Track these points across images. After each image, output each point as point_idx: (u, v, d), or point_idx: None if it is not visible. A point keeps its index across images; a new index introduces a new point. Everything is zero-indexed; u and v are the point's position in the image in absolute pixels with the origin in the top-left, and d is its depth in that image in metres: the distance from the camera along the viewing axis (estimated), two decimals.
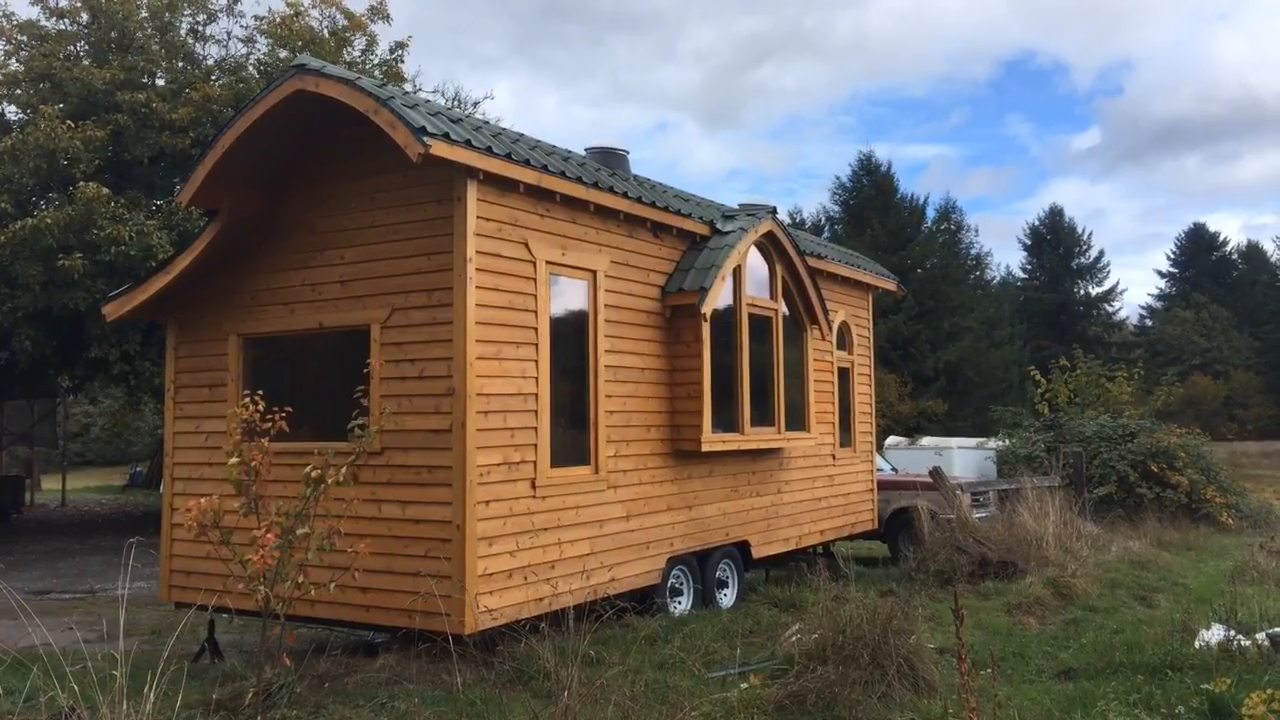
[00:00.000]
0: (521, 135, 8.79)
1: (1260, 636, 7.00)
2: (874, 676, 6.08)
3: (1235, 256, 70.30)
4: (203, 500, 5.80)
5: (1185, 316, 60.91)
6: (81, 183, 15.57)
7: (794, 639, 7.04)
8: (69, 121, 16.17)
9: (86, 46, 18.67)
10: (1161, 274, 72.39)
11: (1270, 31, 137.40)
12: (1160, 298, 70.09)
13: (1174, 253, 71.38)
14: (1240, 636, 7.11)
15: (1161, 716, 5.72)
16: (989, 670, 5.63)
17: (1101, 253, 65.41)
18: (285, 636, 6.03)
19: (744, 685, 6.28)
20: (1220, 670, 6.25)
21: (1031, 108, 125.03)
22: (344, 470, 6.00)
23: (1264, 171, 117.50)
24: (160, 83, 18.33)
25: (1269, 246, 69.70)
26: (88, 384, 22.88)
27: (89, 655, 4.91)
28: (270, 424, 6.08)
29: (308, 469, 5.90)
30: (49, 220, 15.15)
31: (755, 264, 10.48)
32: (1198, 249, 69.92)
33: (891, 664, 6.16)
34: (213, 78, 18.51)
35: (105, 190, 15.47)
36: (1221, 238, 71.07)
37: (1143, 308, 70.62)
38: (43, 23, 18.52)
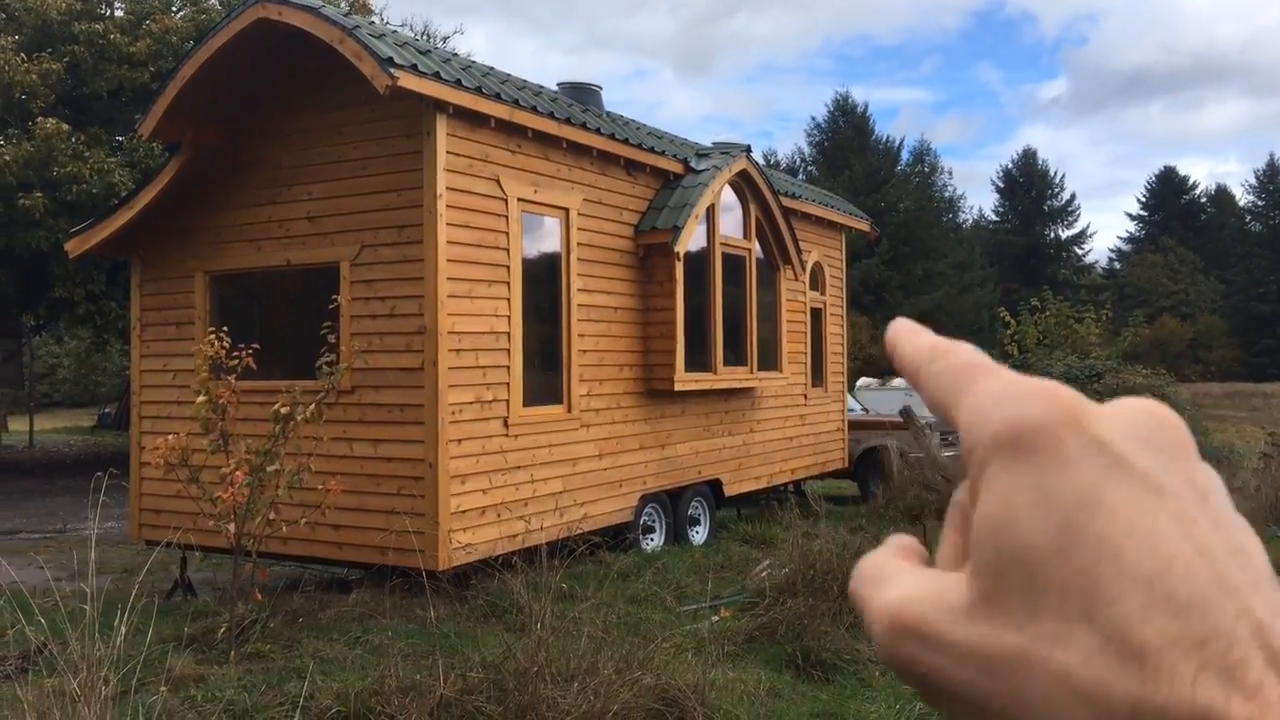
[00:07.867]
0: (492, 69, 8.61)
1: None
2: (842, 608, 6.19)
3: (1204, 200, 70.69)
4: (169, 438, 5.75)
5: (1154, 260, 61.34)
6: (40, 118, 15.14)
7: (764, 573, 7.14)
8: (24, 54, 15.67)
9: None
10: (1132, 217, 72.73)
11: None
12: (1130, 240, 70.49)
13: (1144, 196, 71.64)
14: None
15: None
16: None
17: (1073, 196, 65.74)
18: (257, 573, 6.04)
19: (715, 618, 6.38)
20: None
21: (1000, 56, 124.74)
22: (311, 408, 5.97)
23: (1227, 120, 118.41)
24: (119, 13, 17.78)
25: (1237, 191, 70.22)
26: (53, 324, 22.54)
27: (59, 592, 4.88)
28: (237, 361, 6.02)
29: (276, 406, 5.86)
30: (8, 157, 14.75)
31: (729, 203, 10.41)
32: (1167, 192, 70.21)
33: None
34: (173, 9, 17.96)
35: (65, 126, 15.07)
36: (1191, 181, 71.38)
37: (1111, 251, 71.02)
38: None
